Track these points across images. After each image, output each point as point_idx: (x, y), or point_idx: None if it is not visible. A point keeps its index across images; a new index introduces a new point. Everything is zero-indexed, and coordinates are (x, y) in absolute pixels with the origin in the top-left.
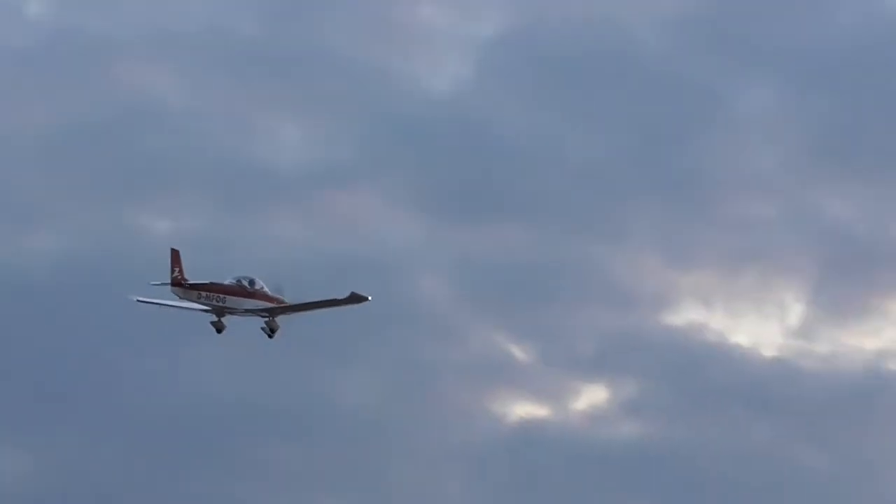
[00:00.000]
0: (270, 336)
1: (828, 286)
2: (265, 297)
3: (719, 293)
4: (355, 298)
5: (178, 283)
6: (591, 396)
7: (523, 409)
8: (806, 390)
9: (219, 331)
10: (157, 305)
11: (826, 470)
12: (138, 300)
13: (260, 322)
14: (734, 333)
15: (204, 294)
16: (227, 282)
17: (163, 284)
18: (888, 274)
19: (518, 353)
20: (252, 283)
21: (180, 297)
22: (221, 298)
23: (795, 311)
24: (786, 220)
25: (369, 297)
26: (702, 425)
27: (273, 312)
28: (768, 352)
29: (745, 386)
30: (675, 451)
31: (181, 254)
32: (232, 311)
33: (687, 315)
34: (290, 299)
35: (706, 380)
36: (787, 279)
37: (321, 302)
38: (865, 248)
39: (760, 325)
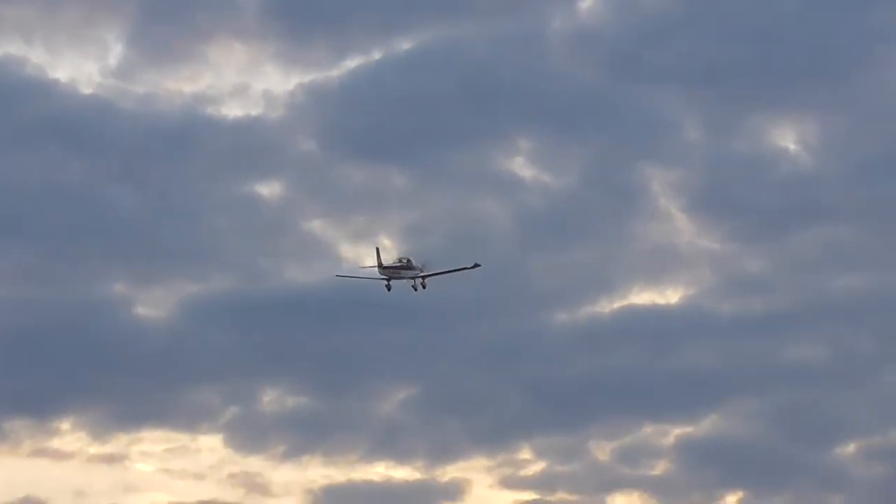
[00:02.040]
0: (415, 290)
1: (149, 28)
2: (415, 268)
3: (40, 27)
4: (475, 266)
5: (380, 265)
6: None
7: None
8: (123, 130)
9: (389, 289)
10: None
11: (140, 208)
12: (339, 276)
13: (410, 283)
14: (53, 69)
15: (390, 270)
16: (398, 262)
17: (371, 267)
18: (210, 18)
19: None
20: (409, 261)
21: (380, 274)
22: (398, 271)
23: (115, 50)
24: None
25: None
26: (18, 159)
27: (424, 278)
28: (87, 89)
29: (63, 123)
30: None
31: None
32: (400, 278)
33: (5, 48)
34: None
35: (24, 114)
36: (109, 17)
37: (451, 270)
38: None
39: (80, 62)
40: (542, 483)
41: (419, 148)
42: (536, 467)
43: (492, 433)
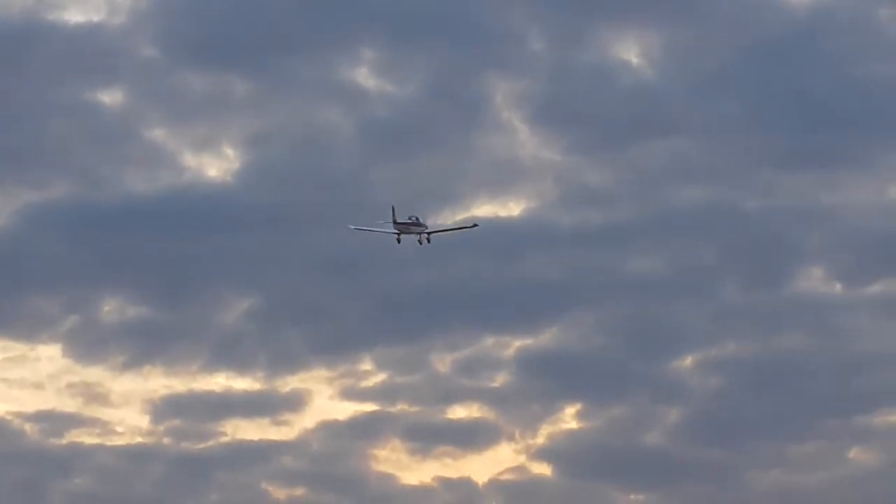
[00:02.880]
0: (421, 244)
1: None
2: (423, 225)
3: None
4: (474, 226)
5: (394, 221)
6: None
7: None
8: None
9: (399, 241)
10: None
11: None
12: (355, 228)
13: (416, 237)
14: None
15: (402, 226)
16: (408, 219)
17: (386, 223)
18: None
19: None
20: (418, 219)
21: (394, 229)
22: (408, 227)
23: None
24: None
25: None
26: None
27: (429, 234)
28: None
29: None
30: None
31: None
32: (409, 233)
33: None
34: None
35: None
36: None
37: (452, 228)
38: None
39: None
40: (382, 394)
41: (263, 56)
42: (377, 378)
43: (333, 344)
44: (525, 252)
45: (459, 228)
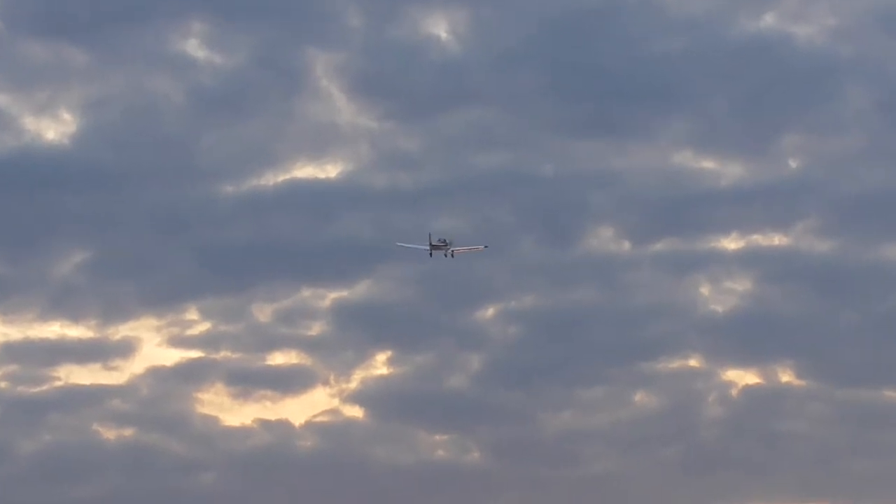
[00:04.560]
0: (446, 257)
1: None
2: (448, 245)
3: None
4: (485, 246)
5: (430, 243)
6: None
7: None
8: None
9: (431, 255)
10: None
11: None
12: (399, 245)
13: (443, 253)
14: None
15: (434, 246)
16: (439, 241)
17: (424, 243)
18: None
19: None
20: (445, 240)
21: (429, 247)
22: (438, 247)
23: None
24: None
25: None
26: None
27: (453, 252)
28: None
29: None
30: None
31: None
32: (438, 250)
33: None
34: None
35: None
36: None
37: (469, 247)
38: None
39: None
40: (207, 342)
41: (99, 28)
42: (202, 327)
43: (161, 295)
44: (341, 211)
45: (472, 248)
